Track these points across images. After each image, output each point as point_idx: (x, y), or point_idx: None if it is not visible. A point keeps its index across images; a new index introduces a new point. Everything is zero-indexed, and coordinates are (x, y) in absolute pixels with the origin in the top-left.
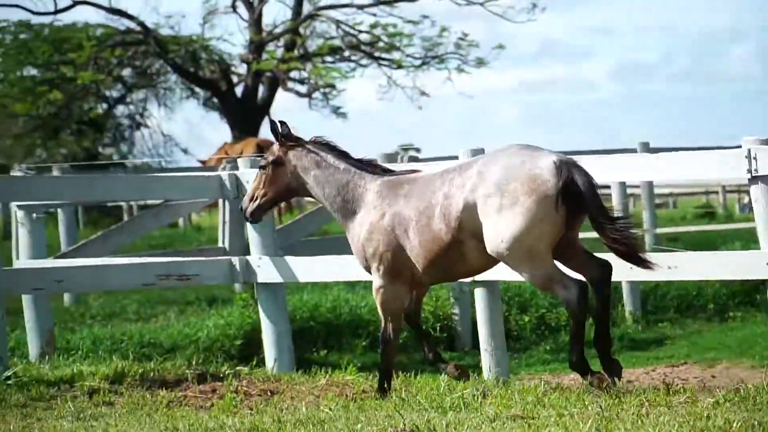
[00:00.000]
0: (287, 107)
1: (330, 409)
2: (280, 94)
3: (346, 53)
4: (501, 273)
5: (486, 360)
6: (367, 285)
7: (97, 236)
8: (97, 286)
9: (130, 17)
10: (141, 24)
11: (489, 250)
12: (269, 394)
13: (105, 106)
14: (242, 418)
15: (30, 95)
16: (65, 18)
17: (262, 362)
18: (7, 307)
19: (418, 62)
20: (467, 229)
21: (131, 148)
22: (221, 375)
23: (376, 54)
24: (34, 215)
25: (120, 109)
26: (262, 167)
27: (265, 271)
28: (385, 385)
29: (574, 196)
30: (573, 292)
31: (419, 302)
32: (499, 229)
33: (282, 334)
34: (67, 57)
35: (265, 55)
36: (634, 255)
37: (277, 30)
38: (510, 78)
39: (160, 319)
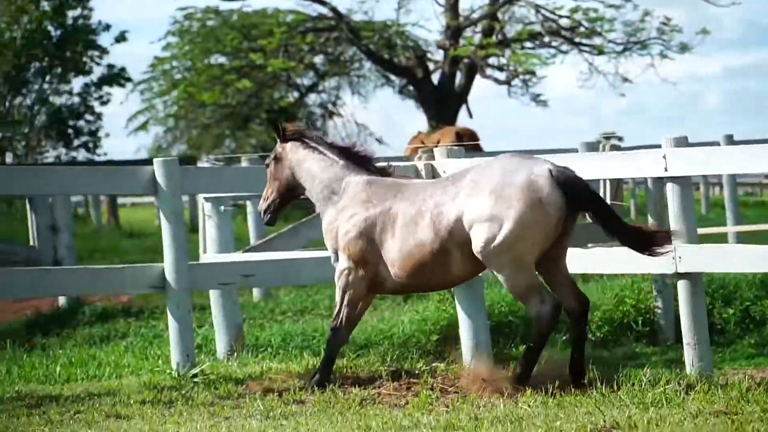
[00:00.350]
0: (485, 95)
1: (528, 405)
2: (478, 82)
3: (546, 39)
4: (706, 264)
5: (689, 354)
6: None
7: (288, 229)
8: (287, 281)
9: (322, 2)
10: (333, 9)
11: (476, 252)
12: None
13: (296, 94)
14: (438, 416)
15: (218, 84)
16: (254, 3)
17: (459, 358)
18: (194, 302)
19: (619, 48)
20: (456, 239)
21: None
22: (416, 372)
23: (577, 40)
24: (222, 208)
25: (312, 98)
26: (267, 165)
27: None
28: (325, 377)
29: (570, 203)
30: (547, 308)
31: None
32: (491, 233)
33: (479, 329)
34: (257, 44)
35: (462, 41)
36: (645, 246)
37: (475, 15)
38: (714, 64)
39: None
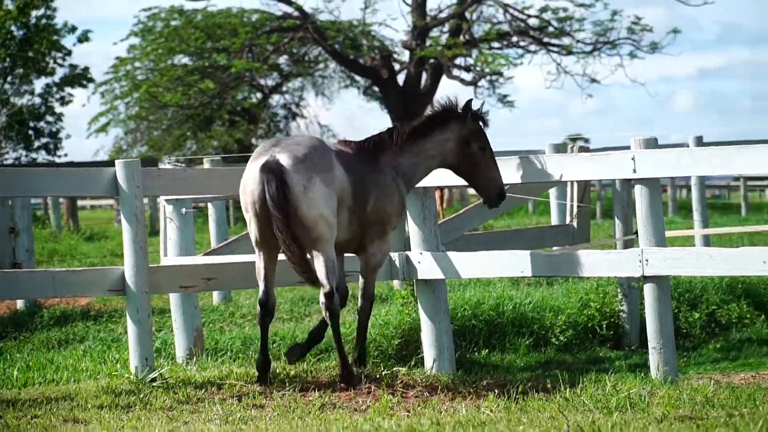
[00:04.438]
0: (451, 95)
1: (491, 410)
2: (444, 82)
3: (514, 39)
4: (673, 268)
5: (654, 358)
6: (531, 281)
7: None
8: (249, 284)
9: (288, 2)
10: (299, 9)
11: None
12: (427, 395)
13: (259, 95)
14: (399, 421)
15: (180, 85)
16: (219, 3)
17: (420, 362)
18: (153, 306)
19: (588, 48)
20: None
21: None
22: (377, 376)
23: (545, 40)
24: (183, 210)
25: (275, 99)
26: None
27: (426, 266)
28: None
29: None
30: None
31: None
32: None
33: (442, 333)
34: (221, 44)
35: (428, 42)
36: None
37: (442, 15)
38: (686, 64)
39: (314, 319)
